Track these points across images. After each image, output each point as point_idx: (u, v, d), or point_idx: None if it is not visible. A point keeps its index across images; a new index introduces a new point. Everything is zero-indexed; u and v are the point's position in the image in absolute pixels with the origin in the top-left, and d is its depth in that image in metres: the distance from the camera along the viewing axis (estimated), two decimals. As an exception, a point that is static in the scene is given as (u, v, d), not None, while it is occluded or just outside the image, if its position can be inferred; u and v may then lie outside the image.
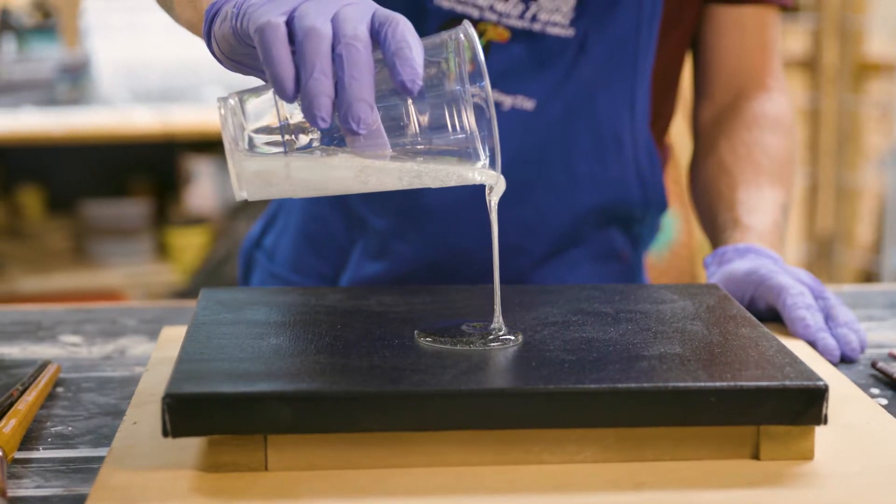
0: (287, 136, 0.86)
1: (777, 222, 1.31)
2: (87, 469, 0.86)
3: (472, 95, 0.86)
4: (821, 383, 0.82)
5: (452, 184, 0.89)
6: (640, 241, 1.44)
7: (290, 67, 0.82)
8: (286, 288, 1.18)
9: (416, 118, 0.86)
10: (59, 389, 1.03)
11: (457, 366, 0.85)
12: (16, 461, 0.88)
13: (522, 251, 1.35)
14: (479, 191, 1.32)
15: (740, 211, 1.30)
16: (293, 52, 0.83)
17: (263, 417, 0.80)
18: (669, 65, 1.39)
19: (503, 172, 1.31)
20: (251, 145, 0.86)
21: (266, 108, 0.86)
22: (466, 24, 0.87)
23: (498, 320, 0.93)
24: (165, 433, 0.79)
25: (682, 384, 0.82)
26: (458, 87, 0.86)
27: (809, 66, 3.87)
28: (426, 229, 1.35)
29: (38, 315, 1.26)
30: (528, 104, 1.31)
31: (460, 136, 0.86)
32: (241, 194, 0.88)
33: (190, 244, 3.65)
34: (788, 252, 3.78)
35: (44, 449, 0.90)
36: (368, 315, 0.98)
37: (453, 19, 1.29)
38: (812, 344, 1.11)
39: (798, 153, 1.41)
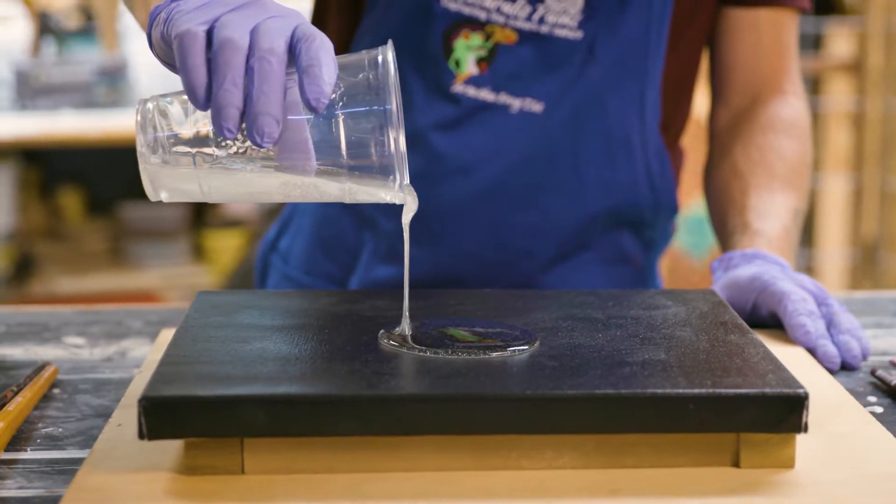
0: (197, 147, 0.87)
1: (787, 228, 1.30)
2: (71, 471, 0.86)
3: (386, 115, 0.86)
4: (801, 391, 0.81)
5: (366, 201, 0.90)
6: (651, 245, 1.43)
7: (203, 76, 0.82)
8: (282, 291, 1.18)
9: (329, 135, 0.86)
10: (56, 391, 1.04)
11: (437, 371, 0.85)
12: (1, 462, 0.88)
13: (530, 254, 1.35)
14: (486, 193, 1.33)
15: (750, 216, 1.30)
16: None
17: (239, 421, 0.80)
18: (683, 68, 1.38)
19: (511, 175, 1.32)
20: (166, 150, 0.87)
21: (182, 116, 0.87)
22: (389, 44, 0.88)
23: (404, 326, 0.93)
24: (141, 435, 0.80)
25: (660, 391, 0.81)
26: (370, 108, 0.86)
27: (855, 69, 3.84)
28: (436, 233, 1.35)
29: (46, 316, 1.27)
30: (536, 107, 1.31)
31: (372, 154, 0.87)
32: (159, 196, 0.90)
33: (226, 246, 3.67)
34: (832, 257, 3.75)
35: (31, 450, 0.91)
36: (359, 319, 0.98)
37: (460, 21, 1.29)
38: (812, 351, 1.10)
39: (812, 157, 1.40)
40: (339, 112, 0.86)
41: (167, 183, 0.88)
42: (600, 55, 1.30)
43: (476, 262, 1.35)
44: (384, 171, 0.87)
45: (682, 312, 1.00)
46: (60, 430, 0.95)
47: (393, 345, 0.90)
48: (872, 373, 1.06)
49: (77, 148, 3.62)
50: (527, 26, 1.29)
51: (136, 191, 3.79)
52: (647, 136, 1.34)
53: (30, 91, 3.50)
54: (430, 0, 1.29)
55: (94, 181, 3.82)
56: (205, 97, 0.83)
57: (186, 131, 0.87)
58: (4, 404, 0.96)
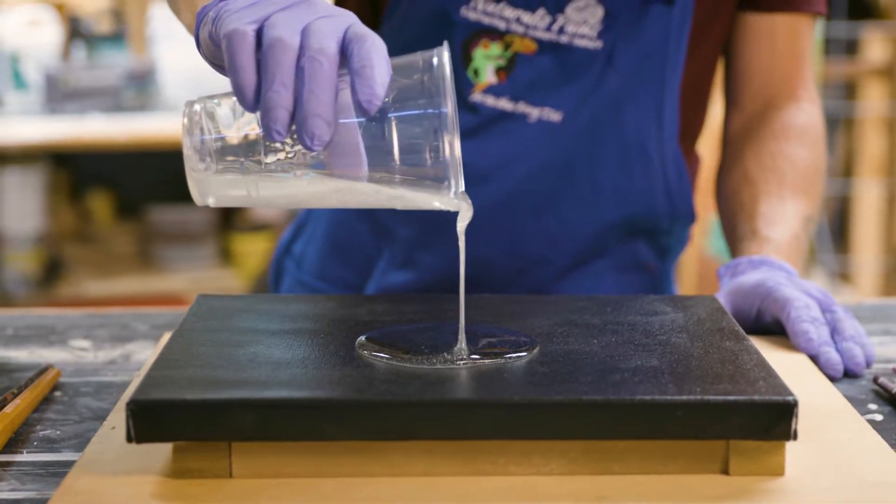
0: (247, 148, 0.84)
1: (797, 235, 1.29)
2: (64, 473, 0.87)
3: (442, 119, 0.84)
4: (790, 398, 0.81)
5: (419, 207, 0.88)
6: (667, 253, 1.43)
7: (253, 77, 0.81)
8: (282, 295, 1.19)
9: (382, 139, 0.84)
10: (57, 393, 1.04)
11: (426, 376, 0.85)
12: (-4, 464, 0.89)
13: (546, 262, 1.35)
14: (503, 201, 1.32)
15: (760, 222, 1.29)
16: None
17: (227, 424, 0.80)
18: (700, 76, 1.38)
19: (529, 184, 1.32)
20: (213, 154, 0.85)
21: (230, 118, 0.85)
22: (445, 45, 0.86)
23: (461, 346, 0.91)
24: (129, 439, 0.80)
25: (647, 397, 0.81)
26: (425, 111, 0.84)
27: (890, 74, 3.82)
28: (452, 239, 1.34)
29: (53, 319, 1.27)
30: (554, 116, 1.30)
31: (426, 159, 0.84)
32: (206, 202, 0.88)
33: (253, 250, 3.68)
34: (867, 264, 3.73)
35: (27, 452, 0.91)
36: (355, 324, 0.98)
37: (479, 30, 1.29)
38: (815, 358, 1.09)
39: (825, 164, 1.39)
40: (392, 115, 0.84)
41: (214, 188, 0.86)
42: (619, 65, 1.30)
43: (491, 270, 1.35)
44: (438, 178, 0.85)
45: (679, 319, 1.00)
46: (58, 432, 0.96)
47: (377, 356, 0.89)
48: (875, 380, 1.05)
49: (106, 152, 3.64)
50: (546, 36, 1.29)
51: (164, 194, 3.81)
52: (664, 144, 1.34)
53: (59, 95, 3.52)
54: (449, 9, 1.29)
55: (122, 185, 3.84)
56: (253, 98, 0.81)
57: (235, 134, 0.85)
58: (3, 406, 0.96)
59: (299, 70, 0.80)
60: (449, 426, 0.81)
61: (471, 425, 0.81)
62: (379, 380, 0.85)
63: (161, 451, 0.84)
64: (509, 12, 1.28)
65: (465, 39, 1.29)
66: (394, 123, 0.84)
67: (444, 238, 1.34)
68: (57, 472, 0.88)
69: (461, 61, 1.30)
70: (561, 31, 1.29)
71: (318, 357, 0.90)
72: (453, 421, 0.81)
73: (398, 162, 0.84)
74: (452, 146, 0.84)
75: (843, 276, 3.96)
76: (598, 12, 1.28)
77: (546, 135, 1.31)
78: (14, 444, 0.93)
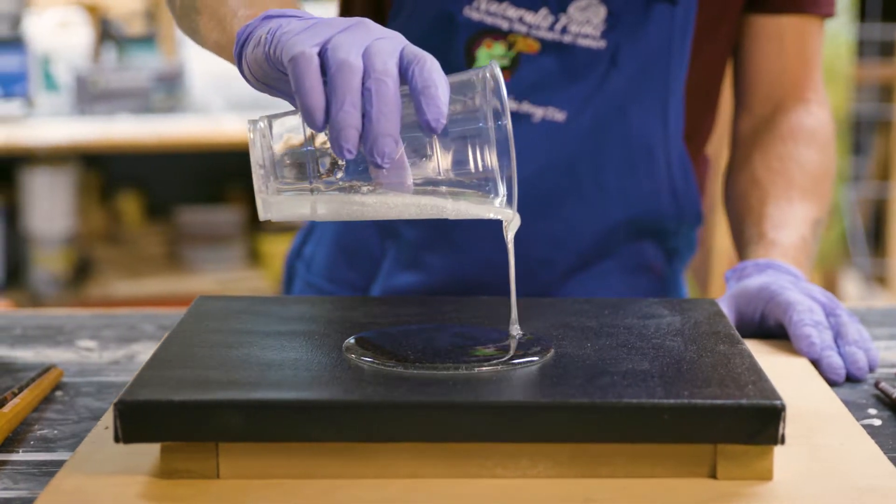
0: (313, 165, 0.87)
1: (804, 238, 1.28)
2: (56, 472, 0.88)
3: (499, 133, 0.87)
4: (777, 402, 0.81)
5: (471, 217, 0.90)
6: (674, 254, 1.42)
7: (321, 98, 0.83)
8: (281, 297, 1.19)
9: (439, 154, 0.87)
10: (58, 393, 1.05)
11: (414, 378, 0.85)
12: (-9, 463, 0.90)
13: (551, 264, 1.35)
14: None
15: (767, 226, 1.29)
16: (324, 83, 0.84)
17: (214, 425, 0.80)
18: (707, 77, 1.37)
19: (533, 184, 1.32)
20: (278, 171, 0.88)
21: (295, 136, 0.88)
22: (493, 63, 0.88)
23: (516, 331, 0.94)
24: (117, 439, 0.81)
25: (634, 400, 0.81)
26: (481, 125, 0.87)
27: (921, 76, 3.80)
28: (457, 241, 1.35)
29: (62, 320, 1.28)
30: (558, 116, 1.30)
31: (481, 173, 0.87)
32: (267, 216, 0.90)
33: (281, 251, 3.67)
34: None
35: (23, 451, 0.92)
36: (351, 326, 0.98)
37: (482, 31, 1.29)
38: (817, 362, 1.08)
39: (834, 167, 1.38)
40: (451, 131, 0.87)
41: (278, 203, 0.89)
42: (623, 65, 1.30)
43: (496, 271, 1.34)
44: (493, 189, 0.88)
45: (676, 322, 0.99)
46: (56, 432, 0.96)
47: (366, 360, 0.89)
48: (876, 385, 1.05)
49: (135, 153, 3.66)
50: (549, 36, 1.29)
51: (193, 195, 3.83)
52: (669, 145, 1.33)
53: (89, 96, 3.54)
54: (452, 10, 1.29)
55: (152, 186, 3.86)
56: (323, 119, 0.83)
57: (297, 152, 0.88)
58: (1, 406, 0.97)
59: (366, 91, 0.83)
60: (436, 428, 0.81)
61: (458, 428, 0.81)
62: (367, 382, 0.85)
63: (152, 452, 0.85)
64: (512, 12, 1.28)
65: (469, 40, 1.30)
66: (453, 139, 0.87)
67: (449, 240, 1.35)
68: (50, 471, 0.88)
69: (464, 62, 1.30)
70: (564, 30, 1.29)
71: (310, 359, 0.90)
72: (441, 423, 0.81)
73: (455, 176, 0.87)
74: (510, 159, 0.88)
75: (878, 279, 3.94)
76: (601, 12, 1.28)
77: (550, 135, 1.31)
78: (11, 443, 0.94)
